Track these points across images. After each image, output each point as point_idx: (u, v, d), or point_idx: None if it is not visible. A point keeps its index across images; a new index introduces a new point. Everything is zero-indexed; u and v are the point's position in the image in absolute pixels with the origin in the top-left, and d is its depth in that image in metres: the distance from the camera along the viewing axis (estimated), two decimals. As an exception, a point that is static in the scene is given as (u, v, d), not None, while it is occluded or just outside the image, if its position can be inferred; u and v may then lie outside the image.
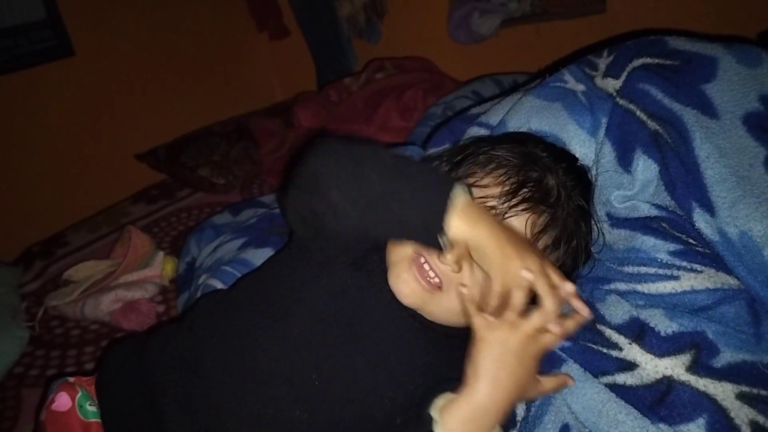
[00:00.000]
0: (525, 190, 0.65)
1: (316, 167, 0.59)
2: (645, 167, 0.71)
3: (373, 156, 0.58)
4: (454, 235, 0.53)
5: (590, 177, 0.76)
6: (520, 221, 0.64)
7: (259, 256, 0.98)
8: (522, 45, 1.85)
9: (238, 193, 1.73)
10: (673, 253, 0.66)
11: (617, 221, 0.73)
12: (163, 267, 1.36)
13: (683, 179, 0.68)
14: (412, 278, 0.62)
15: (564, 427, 0.62)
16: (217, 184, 1.72)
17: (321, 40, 2.18)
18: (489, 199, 0.65)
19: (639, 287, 0.66)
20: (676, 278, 0.65)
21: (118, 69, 1.91)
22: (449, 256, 0.54)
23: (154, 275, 1.35)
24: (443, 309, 0.63)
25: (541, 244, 0.65)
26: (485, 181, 0.67)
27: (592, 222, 0.73)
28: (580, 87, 0.81)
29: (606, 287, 0.68)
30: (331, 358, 0.63)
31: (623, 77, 0.78)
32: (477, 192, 0.65)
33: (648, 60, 0.77)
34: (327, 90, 1.90)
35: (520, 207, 0.64)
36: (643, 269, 0.67)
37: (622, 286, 0.67)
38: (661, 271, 0.66)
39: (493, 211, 0.64)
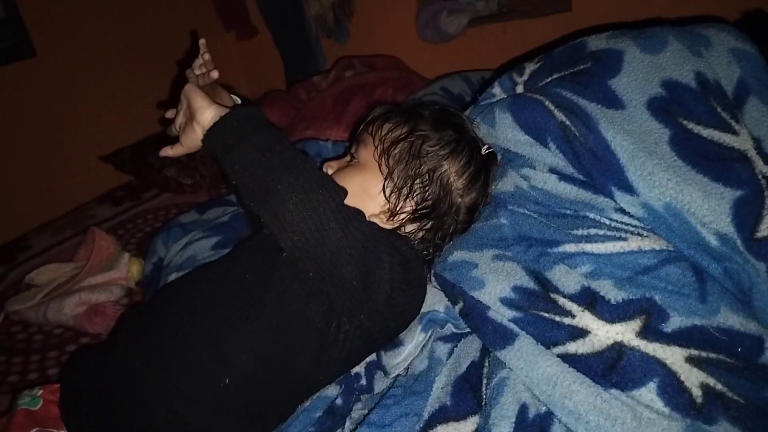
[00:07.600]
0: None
1: None
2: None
3: None
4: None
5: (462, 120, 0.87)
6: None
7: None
8: (489, 43, 1.87)
9: (205, 194, 1.71)
10: (620, 213, 0.70)
11: (564, 177, 0.76)
12: (129, 269, 1.34)
13: (597, 167, 0.70)
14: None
15: (522, 407, 0.62)
16: (184, 184, 1.70)
17: (289, 40, 2.17)
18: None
19: (588, 247, 0.68)
20: (624, 239, 0.67)
21: (80, 69, 1.87)
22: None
23: (119, 277, 1.33)
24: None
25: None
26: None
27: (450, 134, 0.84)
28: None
29: (554, 250, 0.69)
30: None
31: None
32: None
33: (563, 73, 0.81)
34: (296, 88, 1.88)
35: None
36: (593, 231, 0.69)
37: (571, 248, 0.68)
38: (609, 233, 0.68)
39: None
